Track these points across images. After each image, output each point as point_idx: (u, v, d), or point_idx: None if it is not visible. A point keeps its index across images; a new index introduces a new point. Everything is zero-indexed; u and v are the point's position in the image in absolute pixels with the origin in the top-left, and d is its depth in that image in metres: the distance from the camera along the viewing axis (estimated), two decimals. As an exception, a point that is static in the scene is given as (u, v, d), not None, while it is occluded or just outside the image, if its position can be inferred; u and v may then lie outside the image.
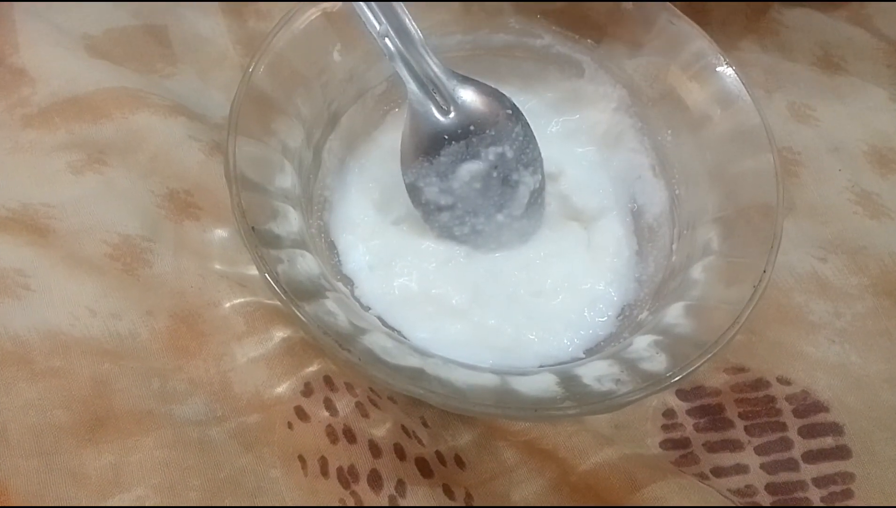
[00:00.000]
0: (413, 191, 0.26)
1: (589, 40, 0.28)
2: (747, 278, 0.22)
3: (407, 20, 0.24)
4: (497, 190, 0.26)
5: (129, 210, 0.27)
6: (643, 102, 0.28)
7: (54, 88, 0.29)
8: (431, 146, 0.25)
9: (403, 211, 0.27)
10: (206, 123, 0.29)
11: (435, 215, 0.26)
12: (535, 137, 0.27)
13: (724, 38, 0.28)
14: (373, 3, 0.24)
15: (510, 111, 0.26)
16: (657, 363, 0.21)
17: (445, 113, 0.25)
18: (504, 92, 0.27)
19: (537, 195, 0.27)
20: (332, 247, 0.27)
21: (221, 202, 0.28)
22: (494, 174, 0.26)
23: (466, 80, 0.26)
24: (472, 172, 0.25)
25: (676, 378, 0.20)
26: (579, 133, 0.29)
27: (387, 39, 0.24)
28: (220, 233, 0.27)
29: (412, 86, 0.25)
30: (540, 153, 0.27)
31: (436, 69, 0.25)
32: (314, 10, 0.25)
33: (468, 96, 0.25)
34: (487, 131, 0.25)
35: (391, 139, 0.28)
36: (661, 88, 0.28)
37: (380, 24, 0.24)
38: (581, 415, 0.22)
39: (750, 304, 0.21)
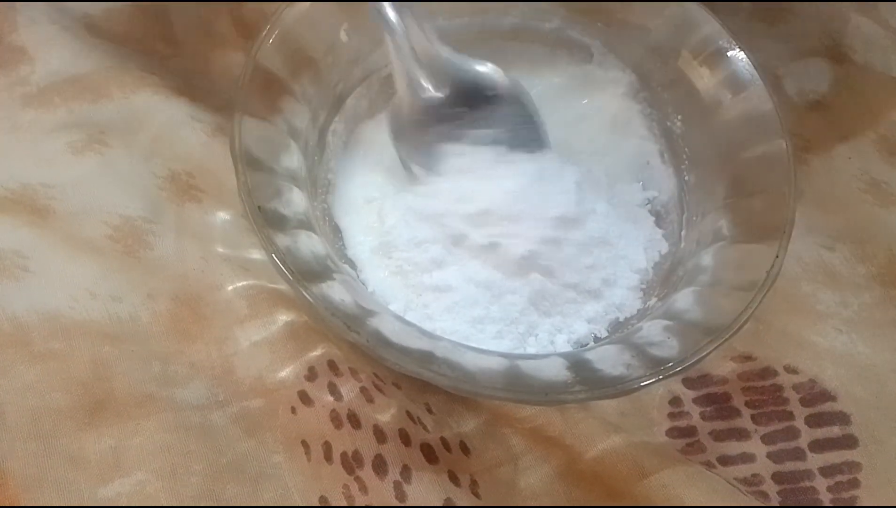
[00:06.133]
0: (406, 165, 0.25)
1: (598, 24, 0.28)
2: (759, 265, 0.22)
3: None
4: None
5: (130, 191, 0.27)
6: (653, 86, 0.28)
7: (54, 67, 0.28)
8: (416, 126, 0.25)
9: (407, 194, 0.27)
10: (209, 105, 0.29)
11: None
12: (538, 114, 0.26)
13: (732, 26, 0.28)
14: None
15: (507, 90, 0.25)
16: (668, 348, 0.21)
17: (437, 90, 0.25)
18: (509, 72, 0.27)
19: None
20: (336, 230, 0.26)
21: (224, 185, 0.27)
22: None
23: (462, 57, 0.25)
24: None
25: (688, 363, 0.20)
26: (588, 118, 0.29)
27: (385, 6, 0.24)
28: (223, 215, 0.27)
29: (403, 57, 0.24)
30: (545, 131, 0.26)
31: (431, 44, 0.24)
32: (320, -11, 0.25)
33: (462, 74, 0.25)
34: (477, 114, 0.25)
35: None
36: (671, 73, 0.27)
37: None
38: (592, 399, 0.21)
39: (762, 290, 0.21)
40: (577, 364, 0.21)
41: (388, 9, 0.24)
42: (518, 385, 0.20)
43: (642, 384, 0.19)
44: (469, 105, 0.25)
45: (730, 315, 0.21)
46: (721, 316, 0.21)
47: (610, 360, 0.21)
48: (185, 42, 0.31)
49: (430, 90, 0.25)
